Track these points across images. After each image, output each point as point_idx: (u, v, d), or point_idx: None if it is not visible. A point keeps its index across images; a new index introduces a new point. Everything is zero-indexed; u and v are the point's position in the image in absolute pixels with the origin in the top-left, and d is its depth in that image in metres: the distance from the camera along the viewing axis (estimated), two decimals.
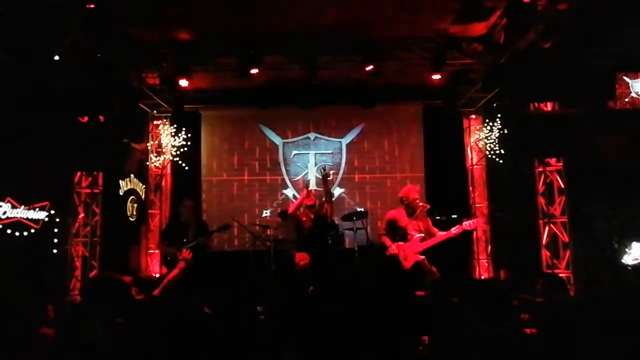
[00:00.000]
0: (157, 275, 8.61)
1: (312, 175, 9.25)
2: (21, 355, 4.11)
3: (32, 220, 6.69)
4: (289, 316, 3.79)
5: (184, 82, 7.41)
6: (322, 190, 6.82)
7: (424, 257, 6.06)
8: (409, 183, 7.26)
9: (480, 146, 9.39)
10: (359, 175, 9.48)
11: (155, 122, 9.45)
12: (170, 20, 6.57)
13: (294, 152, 9.49)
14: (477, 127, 9.45)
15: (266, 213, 9.16)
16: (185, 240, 6.05)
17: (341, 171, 9.47)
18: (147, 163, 9.31)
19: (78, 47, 6.27)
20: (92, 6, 5.89)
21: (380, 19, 6.56)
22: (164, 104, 8.94)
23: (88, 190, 7.66)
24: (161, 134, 9.35)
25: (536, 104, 7.13)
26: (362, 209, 7.80)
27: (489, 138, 8.80)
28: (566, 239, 6.58)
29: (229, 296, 3.60)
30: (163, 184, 9.51)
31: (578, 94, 5.74)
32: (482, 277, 8.89)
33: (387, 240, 6.24)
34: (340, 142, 9.54)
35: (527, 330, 3.37)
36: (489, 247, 9.19)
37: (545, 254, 6.69)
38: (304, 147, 9.52)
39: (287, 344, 3.12)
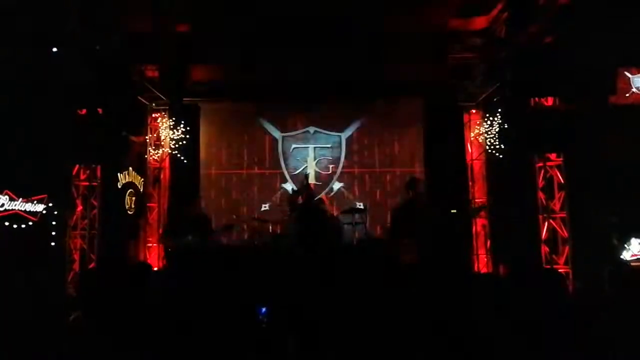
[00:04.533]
0: (156, 269, 8.61)
1: (312, 169, 9.24)
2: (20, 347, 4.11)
3: (30, 212, 6.67)
4: (290, 310, 3.78)
5: (183, 75, 7.37)
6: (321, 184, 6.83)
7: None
8: (409, 177, 7.25)
9: (480, 141, 9.37)
10: (359, 170, 9.46)
11: (153, 115, 9.39)
12: (169, 12, 6.54)
13: (294, 146, 9.47)
14: (477, 122, 9.43)
15: (265, 207, 9.13)
16: (190, 235, 6.23)
17: (340, 165, 9.45)
18: (146, 156, 9.28)
19: (77, 39, 6.23)
20: None
21: (380, 12, 6.52)
22: (162, 97, 8.89)
23: (86, 183, 7.64)
24: (160, 127, 9.31)
25: (537, 98, 7.11)
26: (361, 204, 7.79)
27: (489, 133, 8.77)
28: (565, 234, 6.58)
29: (229, 291, 3.58)
30: (161, 177, 9.48)
31: (579, 89, 5.73)
32: (481, 272, 8.90)
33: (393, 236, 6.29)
34: (340, 136, 9.51)
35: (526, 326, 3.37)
36: (488, 242, 9.19)
37: (544, 249, 6.69)
38: (304, 141, 9.50)
39: (288, 339, 3.11)
